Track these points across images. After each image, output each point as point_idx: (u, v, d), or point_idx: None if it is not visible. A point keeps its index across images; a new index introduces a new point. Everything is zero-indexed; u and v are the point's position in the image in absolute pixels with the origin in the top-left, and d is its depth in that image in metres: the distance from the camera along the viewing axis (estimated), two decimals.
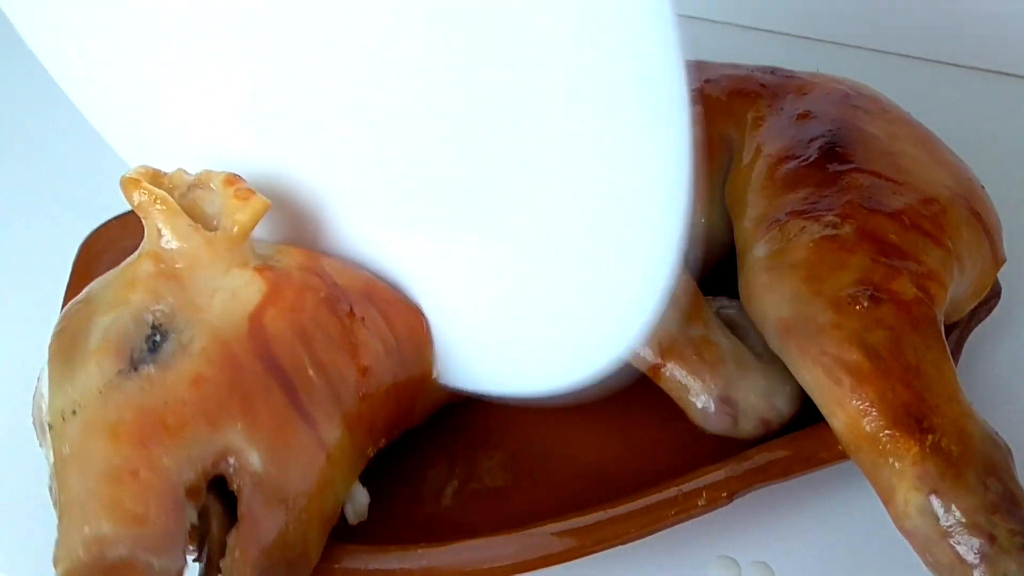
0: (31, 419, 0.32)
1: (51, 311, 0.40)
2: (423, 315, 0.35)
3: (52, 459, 0.29)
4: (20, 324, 0.45)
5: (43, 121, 0.61)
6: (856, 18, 0.63)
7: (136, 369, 0.29)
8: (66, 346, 0.30)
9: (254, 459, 0.29)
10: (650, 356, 0.35)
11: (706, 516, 0.33)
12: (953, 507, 0.30)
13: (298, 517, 0.29)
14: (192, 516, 0.28)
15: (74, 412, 0.28)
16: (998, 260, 0.38)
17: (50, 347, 0.31)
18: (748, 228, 0.37)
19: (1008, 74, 0.60)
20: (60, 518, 0.27)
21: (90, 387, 0.28)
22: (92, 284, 0.32)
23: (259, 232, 0.33)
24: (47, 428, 0.30)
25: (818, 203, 0.36)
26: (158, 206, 0.31)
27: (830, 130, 0.38)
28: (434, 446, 0.38)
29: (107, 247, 0.42)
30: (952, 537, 0.30)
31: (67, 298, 0.40)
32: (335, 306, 0.32)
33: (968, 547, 0.29)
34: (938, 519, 0.30)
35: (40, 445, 0.30)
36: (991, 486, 0.30)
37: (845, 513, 0.36)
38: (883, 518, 0.32)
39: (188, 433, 0.28)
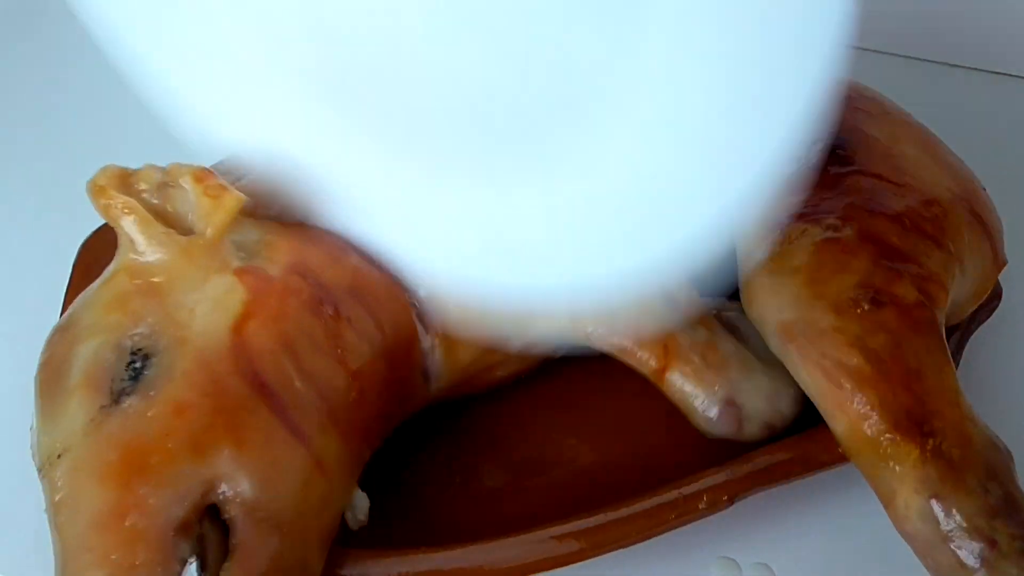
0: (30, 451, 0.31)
1: (51, 315, 0.40)
2: (412, 306, 0.35)
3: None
4: (19, 329, 0.45)
5: (42, 122, 0.61)
6: (856, 19, 0.63)
7: (118, 402, 0.28)
8: (50, 380, 0.29)
9: (244, 485, 0.28)
10: (653, 361, 0.35)
11: (707, 518, 0.33)
12: (954, 511, 0.30)
13: (295, 541, 0.29)
14: (185, 551, 0.27)
15: (59, 456, 0.28)
16: (999, 262, 0.38)
17: (36, 379, 0.30)
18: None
19: (1009, 75, 0.60)
20: (56, 568, 0.27)
21: (74, 427, 0.28)
22: (75, 303, 0.32)
23: None
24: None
25: (819, 206, 0.36)
26: (126, 213, 0.31)
27: (831, 132, 0.38)
28: (434, 449, 0.37)
29: (106, 249, 0.41)
30: (953, 541, 0.30)
31: (66, 301, 0.40)
32: (319, 308, 0.32)
33: (969, 551, 0.29)
34: (939, 523, 0.30)
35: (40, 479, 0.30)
36: (992, 490, 0.30)
37: (846, 515, 0.36)
38: (884, 521, 0.32)
39: (174, 467, 0.27)
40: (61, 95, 0.63)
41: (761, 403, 0.35)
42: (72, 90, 0.64)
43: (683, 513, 0.33)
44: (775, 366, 0.36)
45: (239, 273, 0.31)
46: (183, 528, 0.27)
